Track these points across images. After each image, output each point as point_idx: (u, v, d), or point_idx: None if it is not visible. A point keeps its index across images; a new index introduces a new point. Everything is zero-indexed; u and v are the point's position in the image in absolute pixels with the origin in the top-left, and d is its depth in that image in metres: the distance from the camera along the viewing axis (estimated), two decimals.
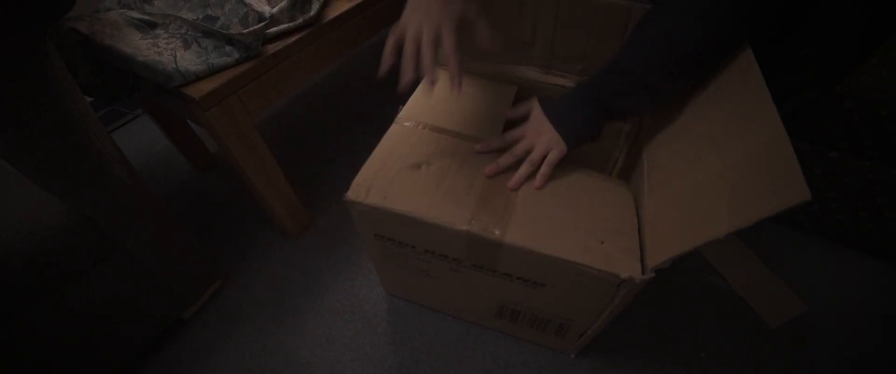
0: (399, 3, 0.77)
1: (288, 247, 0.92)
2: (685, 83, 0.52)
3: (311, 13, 0.72)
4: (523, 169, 0.56)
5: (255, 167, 0.76)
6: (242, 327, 0.80)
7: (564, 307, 0.59)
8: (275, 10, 0.69)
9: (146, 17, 0.68)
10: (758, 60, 0.45)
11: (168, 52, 0.64)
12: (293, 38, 0.70)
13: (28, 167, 0.51)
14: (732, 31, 0.45)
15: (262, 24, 0.66)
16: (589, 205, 0.55)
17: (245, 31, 0.64)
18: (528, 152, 0.57)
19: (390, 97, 1.26)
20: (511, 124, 0.62)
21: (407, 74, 0.46)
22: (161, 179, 1.10)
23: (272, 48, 0.69)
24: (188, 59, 0.64)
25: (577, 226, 0.52)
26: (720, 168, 0.43)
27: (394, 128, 0.63)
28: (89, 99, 0.57)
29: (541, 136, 0.57)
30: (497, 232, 0.51)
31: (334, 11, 0.76)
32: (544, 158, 0.56)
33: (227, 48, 0.66)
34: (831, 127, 0.69)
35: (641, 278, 0.47)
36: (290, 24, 0.70)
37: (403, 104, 0.68)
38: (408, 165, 0.57)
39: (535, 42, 0.67)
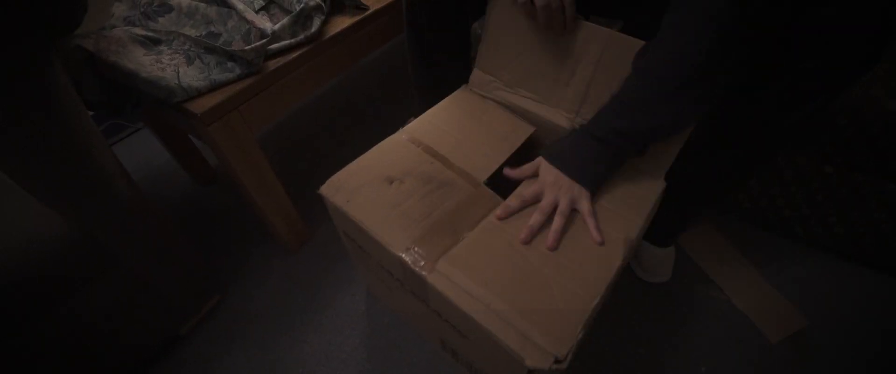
0: (398, 20, 0.79)
1: (287, 261, 0.92)
2: (686, 103, 0.51)
3: (313, 29, 0.73)
4: (546, 221, 0.53)
5: (255, 182, 0.77)
6: (241, 342, 0.80)
7: (491, 367, 0.56)
8: (277, 26, 0.70)
9: (150, 34, 0.69)
10: (764, 65, 0.45)
11: (171, 68, 0.65)
12: (294, 54, 0.71)
13: (29, 181, 0.51)
14: (742, 34, 0.45)
15: (264, 40, 0.67)
16: (549, 271, 0.49)
17: (247, 47, 0.65)
18: (554, 206, 0.54)
19: (390, 112, 1.28)
20: (513, 185, 0.59)
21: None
22: (162, 192, 1.10)
23: (273, 64, 0.70)
24: (191, 75, 0.65)
25: (513, 289, 0.47)
26: None
27: (391, 138, 0.64)
28: (91, 113, 0.57)
29: (560, 188, 0.54)
30: (426, 269, 0.49)
31: (335, 28, 0.77)
32: (572, 209, 0.54)
33: (230, 64, 0.67)
34: (826, 142, 0.69)
35: (545, 370, 0.42)
36: (292, 41, 0.72)
37: (415, 117, 0.68)
38: (382, 176, 0.58)
39: (571, 83, 0.63)
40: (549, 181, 0.55)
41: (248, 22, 0.70)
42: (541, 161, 0.58)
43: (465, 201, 0.56)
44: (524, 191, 0.56)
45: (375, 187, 0.57)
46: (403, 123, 0.68)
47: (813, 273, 0.83)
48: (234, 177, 0.75)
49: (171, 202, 1.08)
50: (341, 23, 0.78)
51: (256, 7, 0.78)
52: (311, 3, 0.74)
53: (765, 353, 0.74)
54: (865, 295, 0.80)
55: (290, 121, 1.29)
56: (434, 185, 0.57)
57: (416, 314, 0.63)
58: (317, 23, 0.74)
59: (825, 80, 0.48)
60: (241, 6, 0.72)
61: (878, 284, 0.81)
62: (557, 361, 0.42)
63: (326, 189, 0.57)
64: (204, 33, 0.72)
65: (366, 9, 0.81)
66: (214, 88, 0.65)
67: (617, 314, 0.79)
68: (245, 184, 0.75)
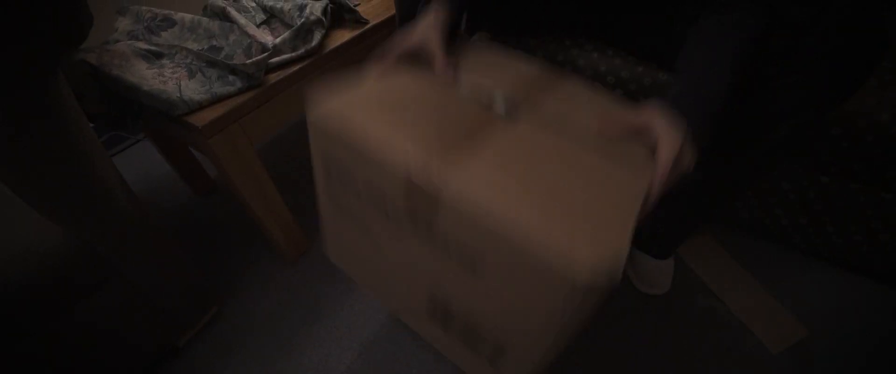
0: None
1: (286, 272, 0.92)
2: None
3: (313, 43, 0.74)
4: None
5: (254, 194, 0.77)
6: (238, 354, 0.79)
7: (499, 316, 0.48)
8: (278, 40, 0.71)
9: (153, 48, 0.70)
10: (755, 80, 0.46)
11: (173, 81, 0.66)
12: (295, 68, 0.72)
13: (29, 192, 0.51)
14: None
15: (265, 54, 0.68)
16: (579, 179, 0.43)
17: (248, 60, 0.66)
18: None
19: None
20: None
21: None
22: (161, 203, 1.10)
23: (274, 77, 0.70)
24: (192, 89, 0.66)
25: (542, 197, 0.40)
26: None
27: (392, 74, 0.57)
28: (91, 125, 0.58)
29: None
30: (440, 181, 0.42)
31: (336, 41, 0.78)
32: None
33: (231, 78, 0.68)
34: (820, 152, 0.70)
35: (593, 282, 0.35)
36: (293, 54, 0.73)
37: None
38: (381, 102, 0.51)
39: None
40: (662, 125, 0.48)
41: (249, 36, 0.71)
42: (648, 110, 0.49)
43: (477, 119, 0.50)
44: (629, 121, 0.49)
45: (372, 111, 0.50)
46: None
47: (812, 283, 0.83)
48: (234, 188, 0.75)
49: (170, 213, 1.08)
50: (341, 36, 0.79)
51: (258, 21, 0.80)
52: (312, 18, 0.75)
53: (766, 363, 0.74)
54: (865, 304, 0.80)
55: (291, 133, 1.30)
56: (440, 104, 0.51)
57: (410, 267, 0.55)
58: (317, 36, 0.75)
59: (814, 93, 0.49)
60: (242, 20, 0.73)
61: (877, 293, 0.81)
62: (611, 276, 0.36)
63: (316, 115, 0.49)
64: (206, 47, 0.73)
65: (366, 22, 0.82)
66: (216, 100, 0.66)
67: (616, 324, 0.78)
68: (245, 195, 0.75)
